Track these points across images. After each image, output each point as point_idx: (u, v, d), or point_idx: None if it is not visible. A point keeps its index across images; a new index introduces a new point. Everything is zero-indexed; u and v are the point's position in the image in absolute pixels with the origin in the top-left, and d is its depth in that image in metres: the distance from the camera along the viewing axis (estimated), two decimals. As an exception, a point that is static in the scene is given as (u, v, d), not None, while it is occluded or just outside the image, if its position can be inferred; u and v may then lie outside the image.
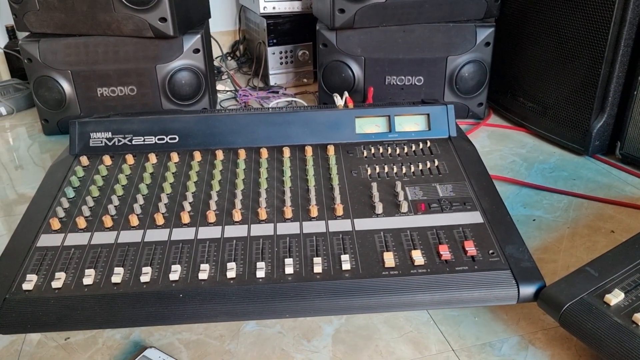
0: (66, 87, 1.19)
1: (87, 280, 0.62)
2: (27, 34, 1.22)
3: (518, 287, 0.61)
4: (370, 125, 0.85)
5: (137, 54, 1.19)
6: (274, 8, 1.45)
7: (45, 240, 0.68)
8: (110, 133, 0.84)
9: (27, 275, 0.62)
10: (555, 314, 0.59)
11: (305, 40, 1.50)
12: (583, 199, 0.94)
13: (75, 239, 0.68)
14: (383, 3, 1.14)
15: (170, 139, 0.84)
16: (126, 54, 1.19)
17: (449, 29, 1.19)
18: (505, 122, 1.28)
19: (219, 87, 1.54)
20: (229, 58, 1.76)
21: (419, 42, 1.19)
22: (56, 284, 0.61)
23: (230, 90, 1.51)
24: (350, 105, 0.91)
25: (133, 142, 0.84)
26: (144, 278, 0.62)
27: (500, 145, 1.16)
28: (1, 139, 1.29)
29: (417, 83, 1.22)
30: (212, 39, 1.46)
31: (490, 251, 0.65)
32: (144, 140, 0.84)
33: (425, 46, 1.20)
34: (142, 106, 1.23)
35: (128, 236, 0.68)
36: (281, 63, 1.51)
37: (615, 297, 0.57)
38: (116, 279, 0.62)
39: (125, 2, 1.11)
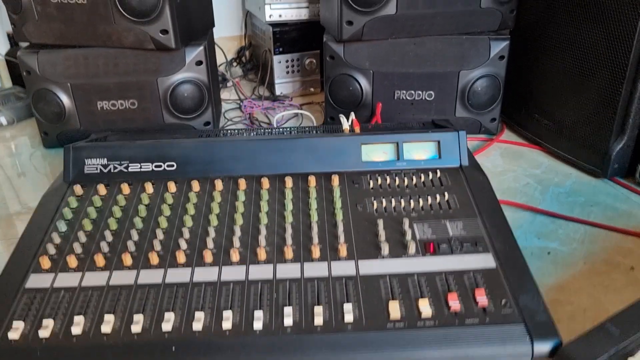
0: (65, 100, 1.16)
1: (76, 330, 0.58)
2: (26, 44, 1.19)
3: (532, 344, 0.57)
4: (377, 152, 0.81)
5: (137, 67, 1.15)
6: (280, 16, 1.40)
7: (35, 281, 0.65)
8: (105, 159, 0.80)
9: (14, 322, 0.59)
10: (572, 375, 0.55)
11: (312, 49, 1.46)
12: (601, 229, 0.90)
13: (66, 279, 0.65)
14: (393, 15, 1.09)
15: (168, 166, 0.80)
16: (126, 67, 1.15)
17: (462, 42, 1.14)
18: (519, 138, 1.23)
19: (224, 95, 1.50)
20: (235, 64, 1.72)
21: (430, 55, 1.14)
22: (43, 333, 0.58)
23: (235, 100, 1.48)
24: (357, 128, 0.87)
25: (129, 170, 0.80)
26: (135, 328, 0.58)
27: (513, 165, 1.11)
28: (2, 151, 1.26)
29: (427, 98, 1.17)
30: (216, 47, 1.42)
31: (503, 301, 0.61)
32: (140, 168, 0.80)
33: (436, 60, 1.15)
34: (143, 120, 1.19)
35: (120, 277, 0.65)
36: (287, 72, 1.47)
37: (639, 361, 0.53)
38: (106, 328, 0.58)
39: (125, 13, 1.07)
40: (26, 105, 1.41)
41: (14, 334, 0.58)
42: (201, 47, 1.17)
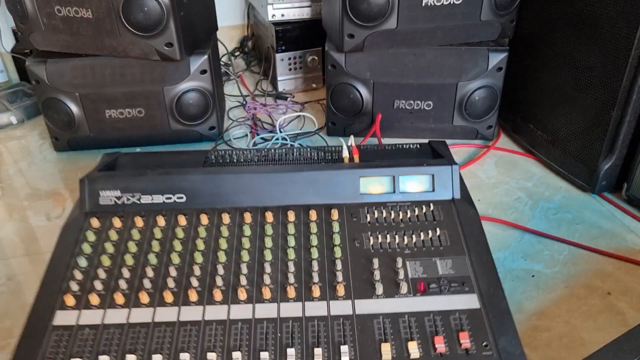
0: (74, 109, 1.20)
1: (101, 369, 0.66)
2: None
3: (508, 386, 0.64)
4: (374, 184, 0.86)
5: (144, 77, 1.18)
6: (282, 15, 1.41)
7: (61, 319, 0.72)
8: (119, 191, 0.86)
9: (45, 362, 0.67)
10: (541, 416, 0.62)
11: (314, 46, 1.47)
12: (584, 250, 0.96)
13: (89, 317, 0.72)
14: (393, 29, 1.11)
15: (178, 197, 0.86)
16: (133, 77, 1.18)
17: (461, 53, 1.16)
18: (514, 145, 1.27)
19: (227, 89, 1.53)
20: (238, 52, 1.73)
21: (429, 66, 1.17)
22: (72, 371, 0.66)
23: (238, 96, 1.50)
24: (356, 156, 0.91)
25: (141, 201, 0.85)
26: (154, 368, 0.66)
27: (506, 176, 1.16)
28: (13, 152, 1.31)
29: (426, 108, 1.21)
30: (218, 42, 1.44)
31: (484, 343, 0.67)
32: (152, 199, 0.85)
33: (435, 71, 1.17)
34: (150, 127, 1.23)
35: (139, 315, 0.72)
36: (290, 69, 1.49)
37: (600, 409, 0.60)
38: (128, 367, 0.66)
39: (130, 28, 1.09)
40: (35, 103, 1.45)
41: (46, 373, 0.66)
42: (205, 57, 1.19)
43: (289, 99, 1.48)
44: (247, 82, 1.61)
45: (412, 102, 1.20)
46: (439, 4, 1.08)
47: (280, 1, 1.39)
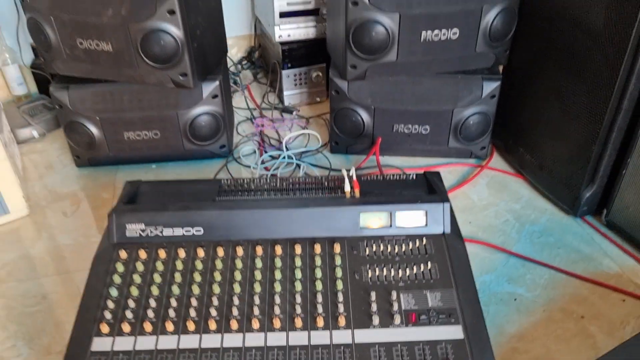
0: (95, 131, 1.28)
1: (135, 392, 0.76)
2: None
3: (485, 410, 0.75)
4: (373, 219, 0.95)
5: (159, 102, 1.26)
6: (289, 35, 1.48)
7: (98, 345, 0.82)
8: (143, 224, 0.95)
9: (87, 385, 0.77)
10: None
11: (318, 62, 1.55)
12: (563, 274, 1.05)
13: (122, 343, 0.82)
14: (394, 61, 1.18)
15: (196, 230, 0.95)
16: (149, 102, 1.26)
17: (457, 82, 1.23)
18: (506, 164, 1.35)
19: (235, 102, 1.60)
20: (245, 62, 1.80)
21: (427, 94, 1.25)
22: (110, 394, 0.76)
23: (246, 109, 1.58)
24: (357, 190, 1.00)
25: (163, 234, 0.95)
26: (181, 391, 0.76)
27: (497, 198, 1.24)
28: (37, 167, 1.40)
29: (423, 132, 1.29)
30: (227, 58, 1.51)
31: (466, 371, 0.78)
32: (173, 232, 0.95)
33: (432, 98, 1.25)
34: (165, 147, 1.32)
35: (165, 342, 0.82)
36: (295, 84, 1.56)
37: None
38: (158, 390, 0.76)
39: (147, 60, 1.17)
40: (55, 117, 1.53)
41: (88, 395, 0.76)
42: (216, 83, 1.27)
43: (294, 112, 1.56)
44: (254, 93, 1.69)
45: (410, 126, 1.29)
46: (436, 39, 1.15)
47: (287, 23, 1.46)
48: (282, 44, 1.49)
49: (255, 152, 1.42)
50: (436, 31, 1.14)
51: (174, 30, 1.13)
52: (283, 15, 1.44)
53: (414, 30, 1.13)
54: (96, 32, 1.15)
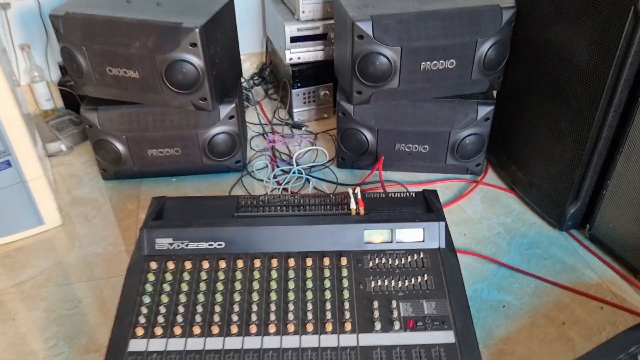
0: (121, 149, 1.40)
1: (169, 387, 0.88)
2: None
3: (472, 406, 0.86)
4: (376, 235, 1.06)
5: (181, 123, 1.38)
6: (299, 58, 1.59)
7: (134, 345, 0.93)
8: (171, 239, 1.06)
9: (126, 381, 0.89)
10: None
11: (326, 82, 1.66)
12: (548, 284, 1.16)
13: (155, 345, 0.93)
14: (396, 88, 1.29)
15: (218, 244, 1.06)
16: (171, 123, 1.37)
17: (454, 106, 1.34)
18: (499, 180, 1.46)
19: (248, 117, 1.72)
20: (257, 78, 1.91)
21: (426, 116, 1.36)
22: (147, 388, 0.88)
23: (258, 125, 1.70)
24: (362, 208, 1.11)
25: (189, 247, 1.06)
26: (208, 387, 0.88)
27: (490, 212, 1.35)
28: (65, 179, 1.51)
29: (422, 150, 1.40)
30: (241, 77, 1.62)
31: (456, 372, 0.89)
32: (197, 245, 1.06)
33: (431, 120, 1.36)
34: (185, 163, 1.43)
35: (193, 344, 0.93)
36: (304, 102, 1.67)
37: None
38: (188, 386, 0.88)
39: (171, 87, 1.28)
40: (81, 131, 1.65)
41: (127, 389, 0.88)
42: (233, 105, 1.38)
43: (303, 128, 1.68)
44: (265, 108, 1.80)
45: (410, 145, 1.40)
46: (435, 68, 1.26)
47: (297, 46, 1.57)
48: (293, 65, 1.60)
49: (267, 166, 1.53)
50: (434, 62, 1.25)
51: (196, 60, 1.24)
52: (294, 39, 1.56)
53: (414, 61, 1.25)
54: (124, 61, 1.26)
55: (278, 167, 1.51)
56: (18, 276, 1.22)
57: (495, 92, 1.40)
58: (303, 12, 1.53)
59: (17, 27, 1.66)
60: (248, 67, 1.94)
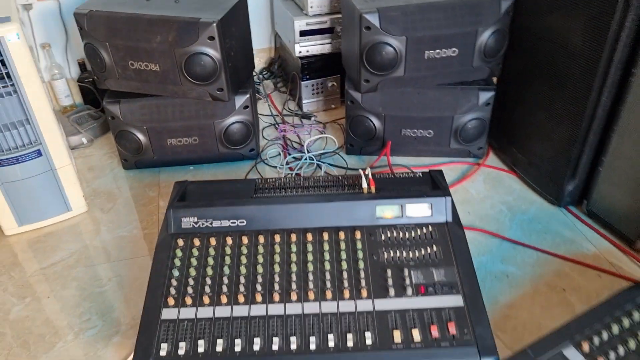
0: (142, 138, 1.48)
1: (200, 349, 0.95)
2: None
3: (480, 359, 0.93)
4: (387, 211, 1.14)
5: (198, 113, 1.45)
6: (307, 51, 1.67)
7: (166, 314, 1.01)
8: (196, 218, 1.14)
9: (161, 344, 0.96)
10: (502, 380, 0.91)
11: (333, 74, 1.73)
12: (548, 255, 1.24)
13: (186, 313, 1.01)
14: (402, 76, 1.37)
15: (240, 222, 1.14)
16: (190, 113, 1.45)
17: (456, 92, 1.42)
18: (499, 162, 1.54)
19: (259, 109, 1.79)
20: (266, 72, 1.99)
21: (430, 103, 1.43)
22: (180, 351, 0.95)
23: (269, 116, 1.78)
24: (373, 187, 1.19)
25: (213, 225, 1.14)
26: (237, 348, 0.95)
27: (492, 192, 1.43)
28: (88, 169, 1.59)
29: (427, 135, 1.48)
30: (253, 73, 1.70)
31: (465, 330, 0.96)
32: (221, 224, 1.14)
33: (435, 106, 1.43)
34: (202, 151, 1.51)
35: (221, 311, 1.01)
36: (313, 93, 1.75)
37: (540, 375, 0.89)
38: (219, 348, 0.95)
39: (190, 78, 1.36)
40: (100, 124, 1.72)
41: (163, 352, 0.95)
42: (247, 95, 1.46)
43: (312, 118, 1.75)
44: (276, 101, 1.88)
45: (416, 130, 1.47)
46: (438, 56, 1.34)
47: (306, 40, 1.65)
48: (302, 58, 1.68)
49: (279, 154, 1.61)
50: (438, 50, 1.33)
51: (213, 53, 1.32)
52: (303, 33, 1.63)
53: (418, 50, 1.32)
54: (146, 55, 1.34)
55: (290, 154, 1.58)
56: (49, 258, 1.30)
57: (495, 79, 1.48)
58: (311, 7, 1.61)
59: (38, 26, 1.74)
60: (257, 62, 2.02)
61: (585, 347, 0.93)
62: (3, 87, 1.16)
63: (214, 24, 1.28)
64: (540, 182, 1.40)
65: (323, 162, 1.55)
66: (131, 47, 1.34)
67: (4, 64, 1.14)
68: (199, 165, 1.58)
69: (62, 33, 1.77)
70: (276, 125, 1.73)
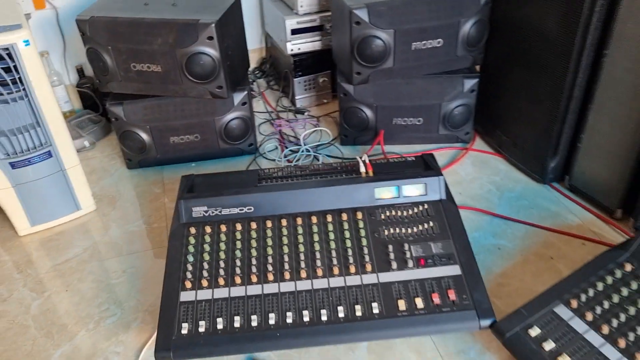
0: (145, 138, 1.54)
1: (219, 326, 1.02)
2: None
3: (479, 321, 1.01)
4: (385, 192, 1.22)
5: (199, 111, 1.52)
6: (299, 49, 1.74)
7: (185, 296, 1.08)
8: (206, 207, 1.21)
9: (182, 324, 1.03)
10: (500, 338, 0.99)
11: (324, 70, 1.81)
12: (536, 228, 1.33)
13: (203, 294, 1.08)
14: (391, 67, 1.45)
15: (248, 209, 1.21)
16: (190, 111, 1.52)
17: (442, 81, 1.51)
18: (486, 146, 1.63)
19: (254, 107, 1.86)
20: (257, 72, 2.06)
21: (419, 92, 1.52)
22: (200, 329, 1.02)
23: (263, 112, 1.85)
24: (370, 170, 1.27)
25: (222, 213, 1.21)
26: (254, 323, 1.02)
27: (480, 173, 1.52)
28: (93, 171, 1.65)
29: (417, 123, 1.56)
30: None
31: (464, 296, 1.04)
32: (229, 211, 1.21)
33: (423, 95, 1.52)
34: (203, 147, 1.58)
35: (236, 291, 1.08)
36: (305, 89, 1.83)
37: (534, 331, 0.97)
38: (236, 324, 1.02)
39: (190, 78, 1.42)
40: (101, 127, 1.78)
41: (184, 330, 1.02)
42: (245, 92, 1.53)
43: (306, 113, 1.83)
44: (269, 99, 1.95)
45: (406, 119, 1.56)
46: (424, 47, 1.43)
47: (297, 38, 1.72)
48: (293, 56, 1.76)
49: (277, 147, 1.68)
50: (424, 41, 1.41)
51: (212, 52, 1.39)
52: (294, 32, 1.71)
53: (406, 42, 1.41)
54: (148, 57, 1.40)
55: (287, 147, 1.66)
56: (64, 255, 1.35)
57: (478, 67, 1.57)
58: (301, 6, 1.69)
59: (36, 35, 1.79)
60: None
61: (574, 303, 1.01)
62: (16, 91, 1.22)
63: (213, 25, 1.35)
64: (524, 162, 1.49)
65: (320, 153, 1.63)
66: (133, 49, 1.40)
67: (16, 70, 1.20)
68: (200, 162, 1.64)
69: (59, 41, 1.82)
70: (272, 121, 1.81)
